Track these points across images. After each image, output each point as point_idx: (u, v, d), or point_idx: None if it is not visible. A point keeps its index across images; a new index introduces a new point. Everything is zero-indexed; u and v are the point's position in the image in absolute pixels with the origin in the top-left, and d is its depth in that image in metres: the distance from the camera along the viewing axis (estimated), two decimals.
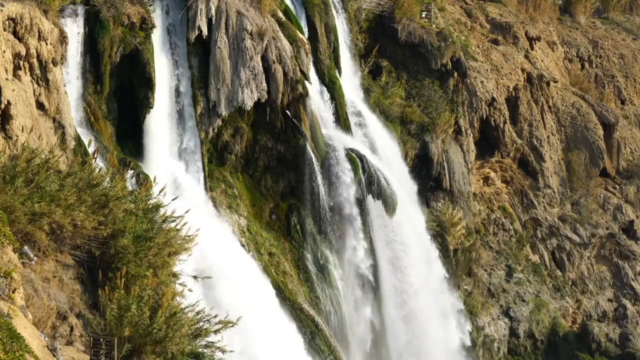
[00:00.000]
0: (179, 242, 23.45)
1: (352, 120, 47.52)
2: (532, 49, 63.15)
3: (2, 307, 16.44)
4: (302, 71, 43.15)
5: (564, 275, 58.28)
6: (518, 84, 58.97)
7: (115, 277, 21.08)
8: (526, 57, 61.76)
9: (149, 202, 24.39)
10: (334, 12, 48.65)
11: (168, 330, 19.86)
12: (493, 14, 63.83)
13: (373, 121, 49.05)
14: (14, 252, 18.74)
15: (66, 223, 21.39)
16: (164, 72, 39.67)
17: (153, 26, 39.00)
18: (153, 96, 38.44)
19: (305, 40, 44.76)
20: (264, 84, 41.39)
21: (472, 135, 55.00)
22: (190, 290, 23.37)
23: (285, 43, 42.68)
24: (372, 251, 45.38)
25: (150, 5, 39.45)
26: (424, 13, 55.32)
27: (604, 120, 63.11)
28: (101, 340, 19.12)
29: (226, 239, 39.72)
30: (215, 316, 21.56)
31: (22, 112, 29.87)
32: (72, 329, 20.10)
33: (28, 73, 31.93)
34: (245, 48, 41.00)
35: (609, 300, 59.26)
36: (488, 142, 57.37)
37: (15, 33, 31.42)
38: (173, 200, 25.24)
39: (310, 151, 43.09)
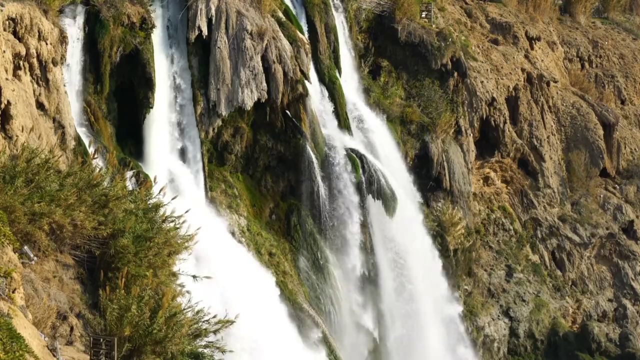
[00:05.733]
0: (178, 241, 23.45)
1: (352, 120, 47.52)
2: (532, 49, 63.14)
3: (2, 307, 16.44)
4: (302, 71, 43.15)
5: (564, 275, 58.28)
6: (518, 84, 58.97)
7: (115, 277, 21.08)
8: (526, 57, 61.75)
9: (148, 202, 24.40)
10: (334, 12, 48.64)
11: (168, 330, 19.86)
12: (493, 14, 63.83)
13: (373, 121, 49.03)
14: (14, 252, 18.74)
15: (66, 223, 21.38)
16: (164, 72, 39.67)
17: (153, 26, 38.99)
18: (153, 96, 38.44)
19: (305, 40, 44.76)
20: (264, 84, 41.40)
21: (472, 135, 55.00)
22: (188, 291, 23.38)
23: (285, 43, 42.69)
24: (372, 251, 45.40)
25: (150, 5, 39.44)
26: (424, 13, 55.30)
27: (604, 120, 63.11)
28: (101, 340, 19.12)
29: (226, 238, 39.73)
30: (214, 316, 21.58)
31: (22, 112, 29.88)
32: (72, 329, 20.10)
33: (28, 73, 31.93)
34: (245, 48, 41.01)
35: (609, 300, 59.25)
36: (488, 142, 57.35)
37: (15, 33, 31.42)
38: (172, 199, 25.25)
39: (310, 151, 43.09)
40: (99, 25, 37.02)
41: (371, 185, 44.90)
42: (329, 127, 45.47)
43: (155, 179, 32.23)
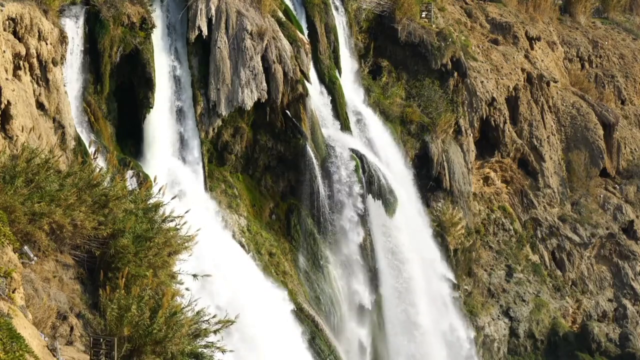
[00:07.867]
0: (178, 241, 23.45)
1: (352, 120, 47.51)
2: (532, 49, 63.15)
3: (2, 307, 16.44)
4: (302, 71, 43.15)
5: (564, 275, 58.29)
6: (518, 84, 58.97)
7: (115, 277, 21.07)
8: (526, 57, 61.76)
9: (148, 202, 24.39)
10: (334, 12, 48.64)
11: (168, 330, 19.85)
12: (493, 14, 63.83)
13: (373, 121, 49.04)
14: (14, 252, 18.74)
15: (66, 223, 21.38)
16: (164, 72, 39.67)
17: (153, 26, 38.99)
18: (153, 96, 38.44)
19: (305, 40, 44.76)
20: (264, 84, 41.40)
21: (472, 135, 55.01)
22: (187, 289, 23.38)
23: (285, 43, 42.69)
24: (372, 251, 45.38)
25: (150, 5, 39.44)
26: (424, 13, 55.31)
27: (604, 120, 63.12)
28: (101, 340, 19.12)
29: (226, 238, 39.74)
30: (214, 316, 21.57)
31: (22, 112, 29.88)
32: (72, 329, 20.10)
33: (28, 73, 31.93)
34: (245, 48, 41.01)
35: (609, 300, 59.26)
36: (488, 142, 57.37)
37: (15, 33, 31.42)
38: (172, 199, 25.26)
39: (310, 151, 43.10)
40: (99, 25, 37.02)
41: (371, 185, 44.90)
42: (329, 127, 45.47)
43: (155, 179, 32.22)
